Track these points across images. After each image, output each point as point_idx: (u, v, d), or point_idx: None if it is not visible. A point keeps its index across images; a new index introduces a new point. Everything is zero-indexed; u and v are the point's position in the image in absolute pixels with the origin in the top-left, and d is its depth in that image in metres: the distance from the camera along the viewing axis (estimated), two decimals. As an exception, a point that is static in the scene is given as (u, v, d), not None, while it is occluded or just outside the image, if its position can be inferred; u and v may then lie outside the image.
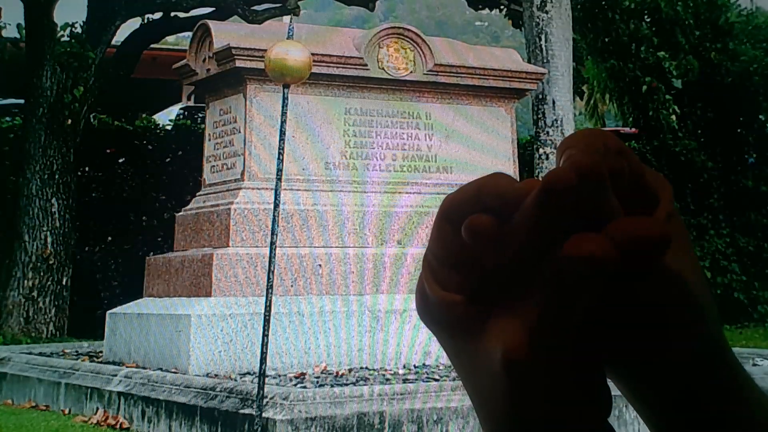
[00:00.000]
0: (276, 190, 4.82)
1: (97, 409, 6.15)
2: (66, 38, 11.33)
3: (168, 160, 12.41)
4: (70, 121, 11.14)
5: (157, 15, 12.61)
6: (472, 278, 0.42)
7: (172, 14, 12.56)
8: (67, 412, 6.44)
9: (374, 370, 6.34)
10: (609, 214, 0.39)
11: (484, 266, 0.42)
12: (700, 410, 0.44)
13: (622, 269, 0.39)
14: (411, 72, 7.44)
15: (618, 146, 0.41)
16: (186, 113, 15.56)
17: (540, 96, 9.66)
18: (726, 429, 0.44)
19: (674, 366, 0.43)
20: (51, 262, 10.86)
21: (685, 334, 0.42)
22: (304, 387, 5.43)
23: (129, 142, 12.40)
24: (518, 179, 0.42)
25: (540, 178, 0.40)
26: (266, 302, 4.69)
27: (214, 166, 7.37)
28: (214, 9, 12.39)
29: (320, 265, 6.71)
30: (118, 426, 5.84)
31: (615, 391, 0.44)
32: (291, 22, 5.37)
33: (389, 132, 7.36)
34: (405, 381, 5.80)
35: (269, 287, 4.71)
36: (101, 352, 7.59)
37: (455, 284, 0.42)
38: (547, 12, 9.74)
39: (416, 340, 6.54)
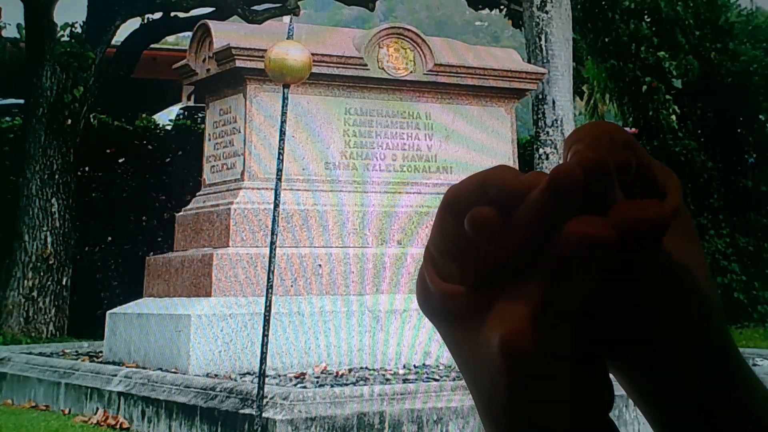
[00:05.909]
0: (276, 190, 4.82)
1: (97, 409, 6.14)
2: (66, 38, 11.33)
3: (168, 160, 12.41)
4: (70, 121, 11.14)
5: (157, 15, 12.61)
6: (474, 269, 0.42)
7: (172, 14, 12.56)
8: (67, 412, 6.44)
9: (374, 370, 6.34)
10: (612, 204, 0.39)
11: (485, 258, 0.41)
12: (703, 406, 0.43)
13: (622, 252, 0.38)
14: (411, 72, 7.43)
15: (624, 138, 0.41)
16: (186, 113, 15.56)
17: (540, 96, 9.66)
18: (729, 425, 0.44)
19: (677, 361, 0.43)
20: (51, 262, 10.86)
21: (689, 329, 0.42)
22: (304, 387, 5.43)
23: (129, 142, 12.40)
24: None
25: (544, 171, 0.40)
26: (266, 302, 4.69)
27: (214, 166, 7.37)
28: (214, 9, 12.39)
29: (320, 265, 6.71)
30: (118, 426, 5.83)
31: (616, 391, 0.44)
32: (291, 22, 5.36)
33: (389, 132, 7.36)
34: (405, 381, 5.79)
35: (269, 287, 4.71)
36: (101, 352, 7.58)
37: (456, 275, 0.42)
38: (547, 12, 9.73)
39: (416, 340, 6.54)
